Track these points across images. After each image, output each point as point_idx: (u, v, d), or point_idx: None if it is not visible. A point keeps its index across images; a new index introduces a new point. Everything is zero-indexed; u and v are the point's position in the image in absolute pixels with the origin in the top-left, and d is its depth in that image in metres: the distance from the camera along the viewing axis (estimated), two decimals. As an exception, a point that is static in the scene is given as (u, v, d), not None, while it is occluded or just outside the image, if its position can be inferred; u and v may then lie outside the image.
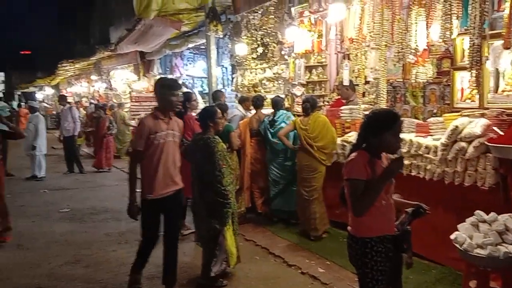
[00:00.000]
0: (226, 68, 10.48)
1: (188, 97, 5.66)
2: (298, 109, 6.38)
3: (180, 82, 11.81)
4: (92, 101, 15.31)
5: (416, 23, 4.47)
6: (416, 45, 4.51)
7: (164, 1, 6.51)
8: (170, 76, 12.27)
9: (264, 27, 7.28)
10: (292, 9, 6.61)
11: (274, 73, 7.55)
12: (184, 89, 11.40)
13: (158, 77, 12.53)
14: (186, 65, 11.89)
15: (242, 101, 6.76)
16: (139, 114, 14.03)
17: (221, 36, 7.64)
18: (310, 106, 5.12)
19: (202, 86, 12.36)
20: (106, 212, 6.56)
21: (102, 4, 21.49)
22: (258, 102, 5.97)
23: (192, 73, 12.18)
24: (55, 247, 5.06)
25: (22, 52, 45.48)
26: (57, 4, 33.65)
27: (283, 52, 7.02)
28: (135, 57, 11.20)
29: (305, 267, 4.21)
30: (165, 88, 3.54)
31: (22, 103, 24.23)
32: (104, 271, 4.34)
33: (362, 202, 2.26)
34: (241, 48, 7.53)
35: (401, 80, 5.59)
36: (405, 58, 4.63)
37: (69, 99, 16.01)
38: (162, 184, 3.50)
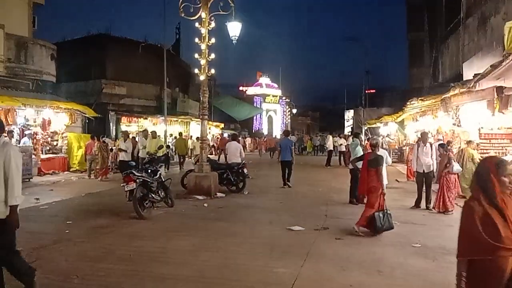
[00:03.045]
0: None
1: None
2: None
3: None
4: (440, 137, 15.24)
5: None
6: None
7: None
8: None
9: None
10: None
11: None
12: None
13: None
14: (556, 98, 10.11)
15: None
16: (489, 152, 13.01)
17: None
18: None
19: None
20: (458, 254, 6.30)
21: (453, 40, 21.34)
22: None
23: None
24: (413, 279, 5.23)
25: (367, 91, 50.62)
26: (407, 45, 35.86)
27: None
28: (492, 92, 10.41)
29: None
30: None
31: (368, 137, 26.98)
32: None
33: None
34: None
35: None
36: None
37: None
38: None
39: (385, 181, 9.65)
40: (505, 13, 13.73)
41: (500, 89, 10.51)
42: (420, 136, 11.53)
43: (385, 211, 7.44)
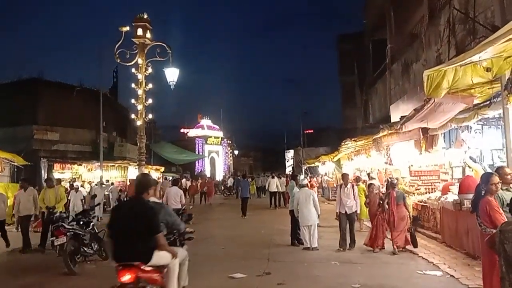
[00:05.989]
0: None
1: (485, 178, 5.13)
2: None
3: (467, 156, 11.07)
4: (373, 175, 15.91)
5: None
6: None
7: (455, 79, 6.40)
8: (455, 149, 11.65)
9: None
10: None
11: None
12: (473, 164, 10.68)
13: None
14: (474, 137, 11.03)
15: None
16: (419, 189, 13.74)
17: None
18: None
19: (492, 159, 11.14)
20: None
21: (381, 84, 22.82)
22: None
23: (480, 145, 11.19)
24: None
25: (306, 131, 52.25)
26: (339, 89, 37.83)
27: None
28: (418, 133, 11.20)
29: None
30: None
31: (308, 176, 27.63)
32: None
33: None
34: (551, 118, 6.50)
35: None
36: None
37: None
38: None
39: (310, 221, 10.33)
40: (425, 60, 14.98)
41: (425, 130, 11.31)
42: (341, 177, 11.42)
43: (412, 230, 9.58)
